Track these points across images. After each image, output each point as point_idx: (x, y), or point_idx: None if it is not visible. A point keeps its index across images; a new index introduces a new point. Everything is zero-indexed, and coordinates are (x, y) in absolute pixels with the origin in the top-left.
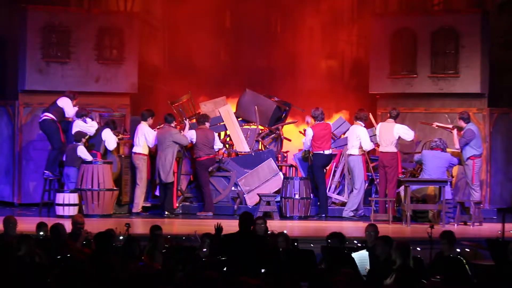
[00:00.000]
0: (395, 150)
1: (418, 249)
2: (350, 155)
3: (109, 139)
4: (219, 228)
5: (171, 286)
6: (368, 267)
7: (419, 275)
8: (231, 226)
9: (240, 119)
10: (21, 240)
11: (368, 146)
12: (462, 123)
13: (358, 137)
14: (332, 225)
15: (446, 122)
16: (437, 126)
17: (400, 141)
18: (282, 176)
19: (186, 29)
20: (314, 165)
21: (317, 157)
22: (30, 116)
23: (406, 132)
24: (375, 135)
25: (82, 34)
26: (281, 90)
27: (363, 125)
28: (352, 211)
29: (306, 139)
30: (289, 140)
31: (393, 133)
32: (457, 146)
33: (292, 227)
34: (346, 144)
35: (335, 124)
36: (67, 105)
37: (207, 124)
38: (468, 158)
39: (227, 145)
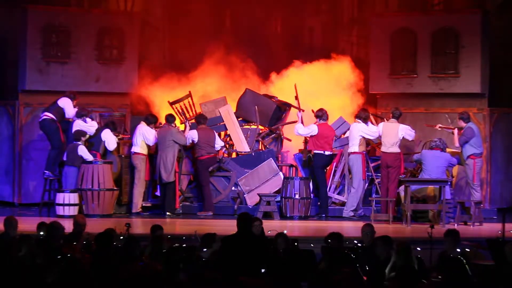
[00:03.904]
0: (398, 150)
1: (418, 249)
2: (350, 153)
3: (109, 139)
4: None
5: (171, 286)
6: None
7: (419, 275)
8: (231, 226)
9: (240, 119)
10: (21, 240)
11: (374, 135)
12: (462, 123)
13: (359, 134)
14: (332, 225)
15: (446, 122)
16: (440, 127)
17: (401, 141)
18: (282, 176)
19: (186, 29)
20: (315, 165)
21: (317, 157)
22: (30, 116)
23: (409, 133)
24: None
25: (82, 34)
26: (281, 90)
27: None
28: (352, 210)
29: (306, 130)
30: (290, 140)
31: (397, 133)
32: (457, 144)
33: (292, 227)
34: (347, 144)
35: (335, 124)
36: (67, 105)
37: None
38: (468, 157)
39: (227, 145)
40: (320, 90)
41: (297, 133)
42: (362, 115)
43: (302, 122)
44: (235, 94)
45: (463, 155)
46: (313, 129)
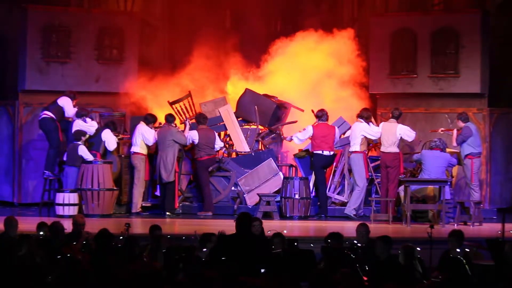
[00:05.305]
0: (397, 150)
1: (418, 249)
2: (352, 153)
3: (109, 139)
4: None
5: (171, 286)
6: None
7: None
8: (231, 226)
9: (240, 119)
10: (21, 240)
11: (376, 135)
12: (460, 124)
13: (361, 134)
14: (332, 225)
15: (446, 122)
16: (442, 131)
17: (401, 141)
18: (282, 176)
19: (186, 29)
20: (315, 166)
21: (317, 157)
22: (30, 116)
23: (408, 134)
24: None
25: (82, 34)
26: (281, 90)
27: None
28: (354, 209)
29: (303, 135)
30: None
31: (395, 133)
32: (454, 144)
33: (292, 227)
34: (347, 144)
35: (334, 124)
36: (67, 104)
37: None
38: (466, 157)
39: (227, 145)
40: (311, 73)
41: (298, 141)
42: (364, 115)
43: (295, 137)
44: (227, 92)
45: (461, 155)
46: (308, 131)
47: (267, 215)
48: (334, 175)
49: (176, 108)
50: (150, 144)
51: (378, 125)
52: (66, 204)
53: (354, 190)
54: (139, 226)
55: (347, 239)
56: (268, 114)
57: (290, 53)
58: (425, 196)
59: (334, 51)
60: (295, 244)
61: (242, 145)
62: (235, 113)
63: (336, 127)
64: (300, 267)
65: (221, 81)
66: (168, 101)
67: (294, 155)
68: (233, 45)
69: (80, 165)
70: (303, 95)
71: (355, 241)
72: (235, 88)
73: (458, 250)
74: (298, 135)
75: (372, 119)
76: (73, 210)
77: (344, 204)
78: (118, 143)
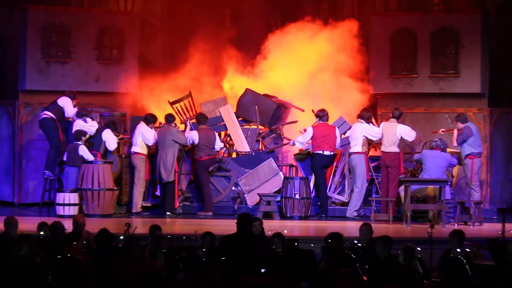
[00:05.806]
0: (397, 150)
1: (419, 249)
2: (353, 153)
3: (110, 139)
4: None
5: (171, 286)
6: None
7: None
8: (231, 226)
9: (241, 119)
10: (22, 240)
11: (378, 136)
12: (459, 125)
13: (362, 134)
14: (332, 225)
15: (446, 122)
16: (443, 132)
17: (401, 141)
18: (282, 176)
19: (186, 28)
20: (315, 166)
21: (317, 157)
22: (30, 115)
23: (408, 134)
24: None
25: (82, 34)
26: (281, 90)
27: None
28: (355, 210)
29: (304, 137)
30: (290, 139)
31: (396, 133)
32: (455, 143)
33: (292, 227)
34: (347, 144)
35: (335, 124)
36: (67, 105)
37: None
38: (466, 157)
39: (227, 145)
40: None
41: (301, 144)
42: (365, 115)
43: (296, 141)
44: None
45: (461, 155)
46: (308, 132)
47: (268, 215)
48: (334, 175)
49: (176, 108)
50: (150, 144)
51: (378, 126)
52: (67, 204)
53: (353, 191)
54: (139, 226)
55: (347, 239)
56: (268, 114)
57: (287, 46)
58: (425, 196)
59: (333, 43)
60: (295, 244)
61: (242, 145)
62: (235, 113)
63: (336, 127)
64: (300, 267)
65: (220, 80)
66: (169, 101)
67: (295, 155)
68: (233, 44)
69: (80, 165)
70: (301, 89)
71: (356, 241)
72: (231, 86)
73: (458, 250)
74: (299, 139)
75: (373, 120)
76: (74, 210)
77: (344, 204)
78: (118, 143)
